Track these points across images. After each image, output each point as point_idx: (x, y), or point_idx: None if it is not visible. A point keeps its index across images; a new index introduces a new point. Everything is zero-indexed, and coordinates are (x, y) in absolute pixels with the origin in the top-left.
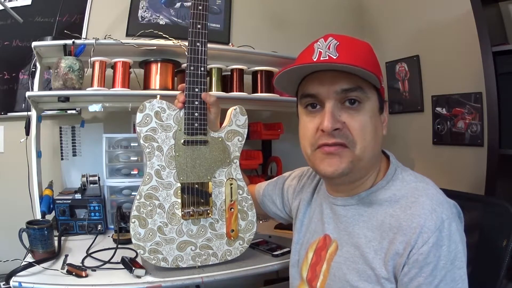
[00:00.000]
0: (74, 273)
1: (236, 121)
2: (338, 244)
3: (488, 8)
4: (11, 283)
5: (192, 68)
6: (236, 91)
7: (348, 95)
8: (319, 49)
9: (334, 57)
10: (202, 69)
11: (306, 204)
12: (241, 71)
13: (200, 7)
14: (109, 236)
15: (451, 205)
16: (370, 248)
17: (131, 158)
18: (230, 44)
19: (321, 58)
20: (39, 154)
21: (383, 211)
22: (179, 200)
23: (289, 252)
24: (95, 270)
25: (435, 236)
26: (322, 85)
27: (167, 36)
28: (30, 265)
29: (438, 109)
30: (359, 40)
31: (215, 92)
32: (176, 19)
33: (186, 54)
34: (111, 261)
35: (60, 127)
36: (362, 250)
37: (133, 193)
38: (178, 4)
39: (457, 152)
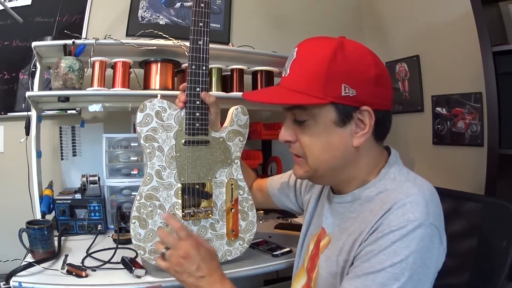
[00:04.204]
0: (74, 273)
1: (237, 121)
2: (331, 239)
3: (488, 8)
4: (11, 283)
5: (193, 67)
6: (236, 91)
7: (294, 112)
8: (286, 62)
9: (286, 75)
10: (204, 68)
11: (316, 198)
12: (241, 71)
13: (202, 5)
14: (109, 236)
15: (431, 215)
16: (350, 241)
17: (131, 158)
18: (230, 44)
19: (282, 74)
20: (39, 154)
21: (367, 206)
22: (180, 201)
23: (289, 252)
24: (95, 270)
25: (394, 233)
26: None
27: (167, 36)
28: (30, 265)
29: (438, 109)
30: (321, 49)
31: (215, 92)
32: (176, 19)
33: (187, 53)
34: (111, 261)
35: (60, 127)
36: (345, 244)
37: (133, 193)
38: (178, 4)
39: (457, 152)
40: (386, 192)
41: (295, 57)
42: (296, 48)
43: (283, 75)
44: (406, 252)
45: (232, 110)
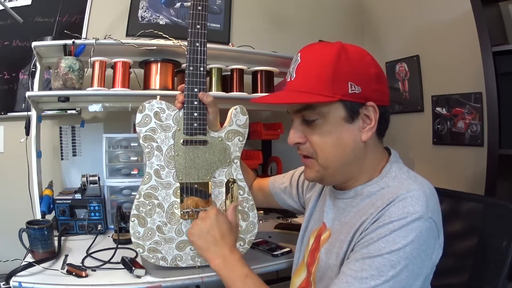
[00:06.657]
0: (74, 273)
1: (236, 121)
2: (331, 233)
3: (488, 8)
4: (11, 283)
5: (191, 68)
6: (236, 91)
7: (302, 114)
8: (291, 67)
9: (292, 79)
10: (202, 69)
11: (317, 195)
12: (241, 71)
13: (199, 7)
14: (109, 236)
15: (430, 210)
16: (350, 233)
17: (131, 158)
18: (230, 44)
19: (287, 79)
20: (39, 154)
21: (369, 201)
22: (178, 200)
23: (289, 252)
24: (95, 270)
25: (394, 223)
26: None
27: (167, 36)
28: (30, 265)
29: (438, 109)
30: (325, 51)
31: (214, 92)
32: (176, 19)
33: (186, 54)
34: (111, 261)
35: (60, 127)
36: (346, 236)
37: (133, 193)
38: (178, 4)
39: (457, 152)
40: (388, 188)
41: (300, 61)
42: (299, 53)
43: (289, 80)
44: (404, 241)
45: (231, 110)
